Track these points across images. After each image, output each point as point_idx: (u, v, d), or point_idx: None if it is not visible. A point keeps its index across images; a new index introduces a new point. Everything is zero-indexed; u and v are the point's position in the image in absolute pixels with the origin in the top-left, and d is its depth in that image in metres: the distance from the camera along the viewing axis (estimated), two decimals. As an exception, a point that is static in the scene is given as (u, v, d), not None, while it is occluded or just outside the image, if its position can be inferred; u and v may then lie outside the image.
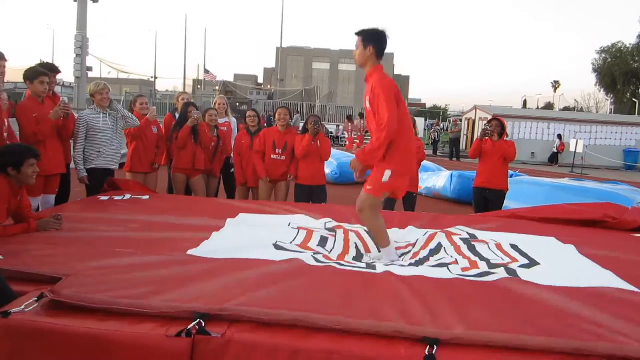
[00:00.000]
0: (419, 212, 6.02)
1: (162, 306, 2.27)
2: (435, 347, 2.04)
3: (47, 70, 4.82)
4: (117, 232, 3.62)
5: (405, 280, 2.84)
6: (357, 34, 3.58)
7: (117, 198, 4.83)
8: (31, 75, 4.67)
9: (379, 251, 3.71)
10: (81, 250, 3.10)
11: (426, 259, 3.56)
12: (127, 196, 4.93)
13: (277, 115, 6.06)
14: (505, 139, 6.35)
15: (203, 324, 2.15)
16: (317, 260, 3.16)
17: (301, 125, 6.22)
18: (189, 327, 2.13)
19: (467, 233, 4.15)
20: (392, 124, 3.39)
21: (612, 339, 2.13)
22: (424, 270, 3.14)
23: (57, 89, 6.77)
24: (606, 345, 2.08)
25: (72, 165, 5.24)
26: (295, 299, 2.43)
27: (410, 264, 3.42)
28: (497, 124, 6.31)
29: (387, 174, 3.54)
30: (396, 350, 2.08)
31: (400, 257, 3.68)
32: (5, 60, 4.26)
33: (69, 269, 2.68)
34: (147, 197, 5.01)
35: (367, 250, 3.81)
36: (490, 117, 7.92)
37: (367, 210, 3.66)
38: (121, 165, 5.85)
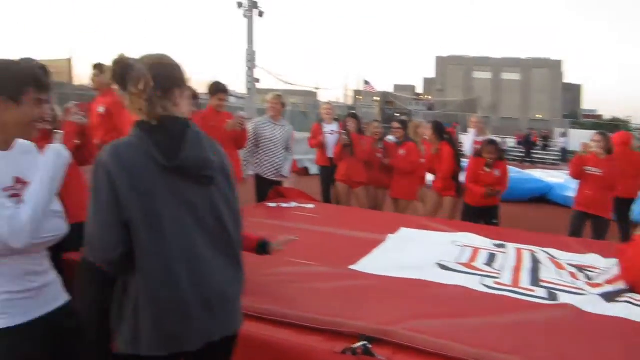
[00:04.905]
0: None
1: (328, 322, 2.28)
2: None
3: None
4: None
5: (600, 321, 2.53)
6: None
7: (284, 205, 5.05)
8: (213, 90, 5.11)
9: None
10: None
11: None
12: (293, 204, 5.12)
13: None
14: None
15: (369, 346, 2.11)
16: (486, 287, 2.94)
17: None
18: (354, 346, 2.11)
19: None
20: None
21: None
22: (616, 308, 2.70)
23: (231, 99, 7.34)
24: None
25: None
26: (465, 331, 2.26)
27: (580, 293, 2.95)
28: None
29: None
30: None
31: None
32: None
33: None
34: (311, 205, 5.16)
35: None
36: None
37: None
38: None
